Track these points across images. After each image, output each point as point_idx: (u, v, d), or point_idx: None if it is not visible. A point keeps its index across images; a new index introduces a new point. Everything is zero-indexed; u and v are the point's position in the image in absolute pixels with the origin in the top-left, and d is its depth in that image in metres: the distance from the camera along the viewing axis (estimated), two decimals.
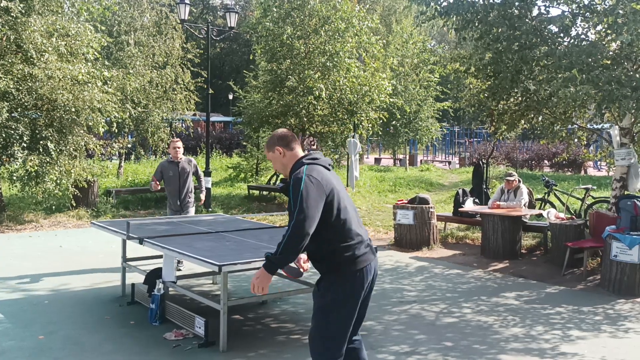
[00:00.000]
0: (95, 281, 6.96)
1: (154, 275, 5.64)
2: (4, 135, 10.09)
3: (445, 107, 26.02)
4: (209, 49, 13.90)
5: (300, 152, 3.44)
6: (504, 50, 7.42)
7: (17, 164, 10.72)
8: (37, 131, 10.60)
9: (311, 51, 14.35)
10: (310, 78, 13.79)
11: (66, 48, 10.96)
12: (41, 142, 10.51)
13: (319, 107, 14.11)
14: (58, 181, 10.56)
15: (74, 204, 11.63)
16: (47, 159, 10.45)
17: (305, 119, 14.38)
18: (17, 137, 10.22)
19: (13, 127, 10.17)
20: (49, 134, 10.58)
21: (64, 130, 10.83)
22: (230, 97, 35.45)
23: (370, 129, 15.37)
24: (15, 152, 10.27)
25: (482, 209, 9.25)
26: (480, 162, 10.90)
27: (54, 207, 11.61)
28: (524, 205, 8.86)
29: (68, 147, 10.87)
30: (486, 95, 8.25)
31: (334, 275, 3.25)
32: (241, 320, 5.52)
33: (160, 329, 5.18)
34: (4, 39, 10.34)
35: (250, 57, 16.56)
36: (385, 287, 6.84)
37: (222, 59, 50.09)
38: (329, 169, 3.39)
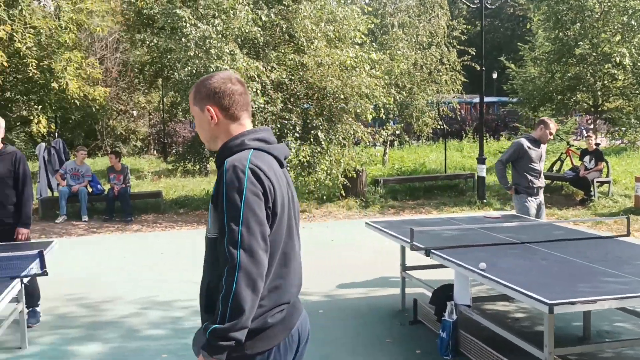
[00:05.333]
0: (369, 287, 6.20)
1: (443, 295, 4.55)
2: (279, 125, 10.15)
3: None
4: (482, 20, 12.33)
5: (246, 125, 2.06)
6: None
7: (291, 154, 10.77)
8: (308, 121, 10.52)
9: (607, 10, 11.85)
10: (607, 42, 11.36)
11: (334, 33, 10.63)
12: (312, 131, 10.39)
13: (619, 77, 11.58)
14: (328, 171, 10.33)
15: (344, 194, 11.34)
16: (318, 149, 10.28)
17: (599, 93, 11.98)
18: (291, 128, 10.22)
19: (287, 117, 10.19)
20: (319, 123, 10.41)
21: (333, 119, 10.58)
22: (494, 75, 33.11)
23: None
24: (289, 142, 10.29)
25: None
26: None
27: (324, 197, 11.48)
28: None
29: (337, 136, 10.58)
30: None
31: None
32: None
33: None
34: (277, 30, 10.38)
35: (527, 26, 14.58)
36: None
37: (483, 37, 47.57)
38: (282, 164, 2.06)
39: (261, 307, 1.88)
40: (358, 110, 10.69)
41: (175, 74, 9.83)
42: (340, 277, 6.56)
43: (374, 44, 13.00)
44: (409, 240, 4.52)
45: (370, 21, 11.43)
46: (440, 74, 16.12)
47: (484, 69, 12.14)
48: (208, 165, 14.19)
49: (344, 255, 7.71)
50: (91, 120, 21.42)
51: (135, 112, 24.63)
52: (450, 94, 17.04)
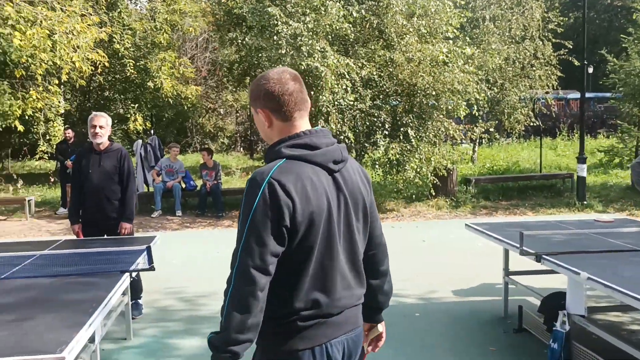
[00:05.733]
0: (467, 291, 5.95)
1: (554, 303, 4.26)
2: (367, 123, 10.03)
3: None
4: (585, 10, 11.59)
5: (299, 126, 1.93)
6: None
7: (379, 152, 10.62)
8: (397, 118, 10.33)
9: None
10: None
11: (425, 28, 10.35)
12: (401, 129, 10.19)
13: None
14: (418, 169, 10.09)
15: (433, 193, 11.06)
16: (408, 147, 10.06)
17: None
18: (380, 125, 10.07)
19: (375, 114, 10.04)
20: (409, 121, 10.19)
21: (424, 116, 10.32)
22: (590, 70, 31.34)
23: None
24: (378, 140, 10.13)
25: None
26: None
27: (413, 196, 11.24)
28: None
29: (427, 133, 10.30)
30: None
31: (261, 347, 1.93)
32: None
33: None
34: (367, 26, 10.25)
35: (633, 17, 13.62)
36: None
37: (577, 30, 45.20)
38: (332, 170, 1.89)
39: (296, 315, 1.85)
40: (449, 107, 10.37)
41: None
42: (435, 279, 6.34)
43: (467, 38, 12.59)
44: (517, 245, 4.27)
45: (462, 15, 11.04)
46: (534, 68, 15.40)
47: (585, 63, 11.45)
48: None
49: (437, 257, 7.48)
50: (182, 118, 22.17)
51: (222, 110, 25.28)
52: (544, 89, 16.25)
